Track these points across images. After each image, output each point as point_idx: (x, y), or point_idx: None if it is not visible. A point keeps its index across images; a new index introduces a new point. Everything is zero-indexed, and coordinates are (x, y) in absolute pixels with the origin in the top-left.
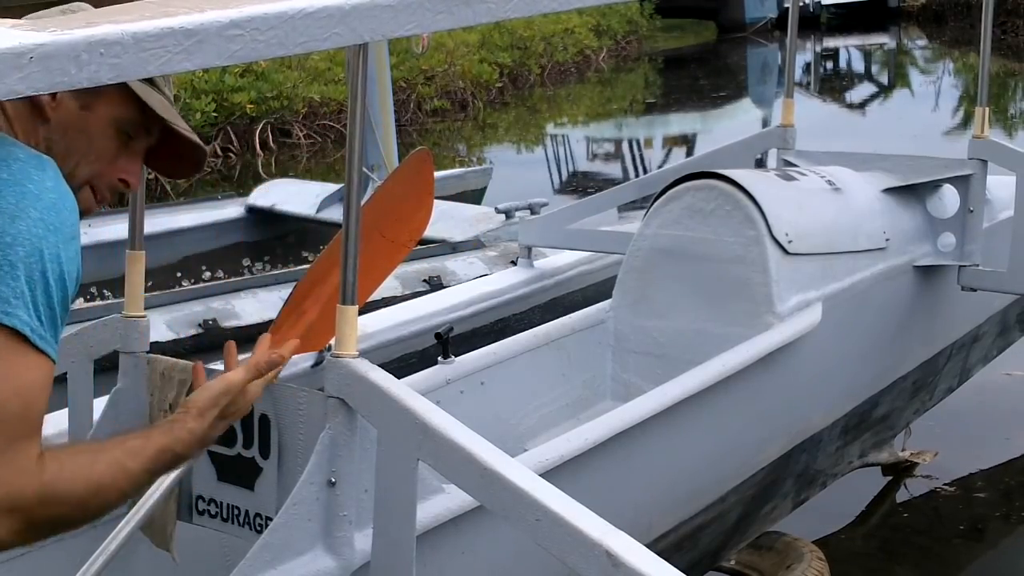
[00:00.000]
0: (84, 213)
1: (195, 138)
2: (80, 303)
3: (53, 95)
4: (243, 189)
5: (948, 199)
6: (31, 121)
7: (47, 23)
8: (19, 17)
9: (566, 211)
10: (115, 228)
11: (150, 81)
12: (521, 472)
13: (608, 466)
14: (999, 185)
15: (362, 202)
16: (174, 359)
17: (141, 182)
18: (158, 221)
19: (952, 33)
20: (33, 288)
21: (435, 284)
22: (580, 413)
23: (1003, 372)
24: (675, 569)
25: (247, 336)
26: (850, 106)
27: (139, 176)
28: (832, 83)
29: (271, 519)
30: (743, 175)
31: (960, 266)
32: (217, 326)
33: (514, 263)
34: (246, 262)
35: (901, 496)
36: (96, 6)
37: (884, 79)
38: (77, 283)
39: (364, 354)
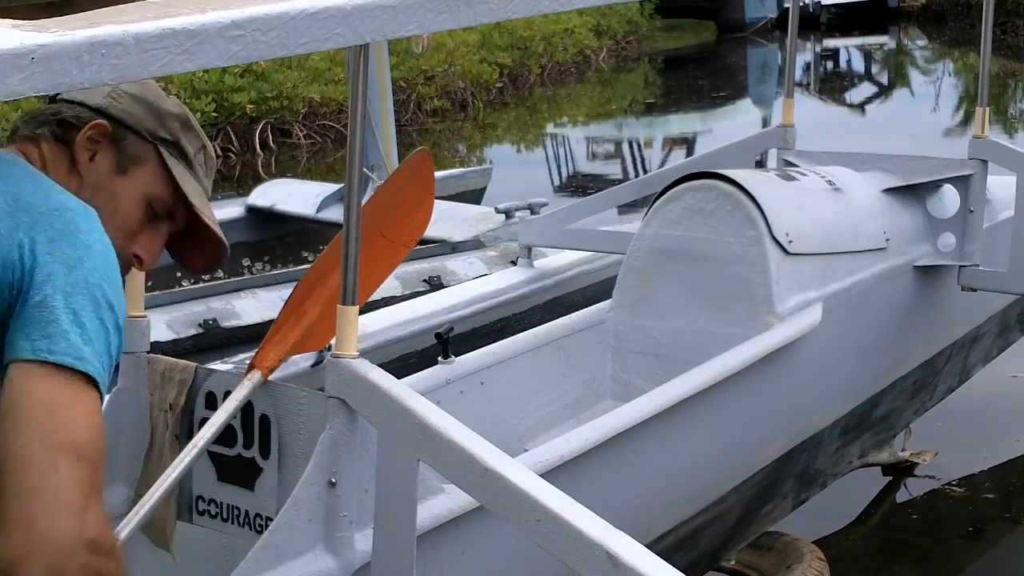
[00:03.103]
0: None
1: (220, 233)
2: None
3: (92, 155)
4: (243, 189)
5: (948, 199)
6: (65, 173)
7: (48, 24)
8: (20, 17)
9: (566, 211)
10: None
11: (189, 163)
12: (521, 472)
13: (608, 466)
14: (999, 185)
15: (362, 202)
16: (174, 359)
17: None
18: None
19: (952, 33)
20: (97, 334)
21: (435, 284)
22: (580, 413)
23: (1008, 374)
24: (675, 569)
25: (247, 336)
26: (850, 106)
27: (156, 257)
28: (832, 83)
29: (271, 519)
30: (743, 175)
31: (960, 266)
32: (217, 326)
33: (514, 263)
34: (246, 262)
35: (901, 496)
36: (97, 7)
37: (884, 79)
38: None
39: (364, 354)
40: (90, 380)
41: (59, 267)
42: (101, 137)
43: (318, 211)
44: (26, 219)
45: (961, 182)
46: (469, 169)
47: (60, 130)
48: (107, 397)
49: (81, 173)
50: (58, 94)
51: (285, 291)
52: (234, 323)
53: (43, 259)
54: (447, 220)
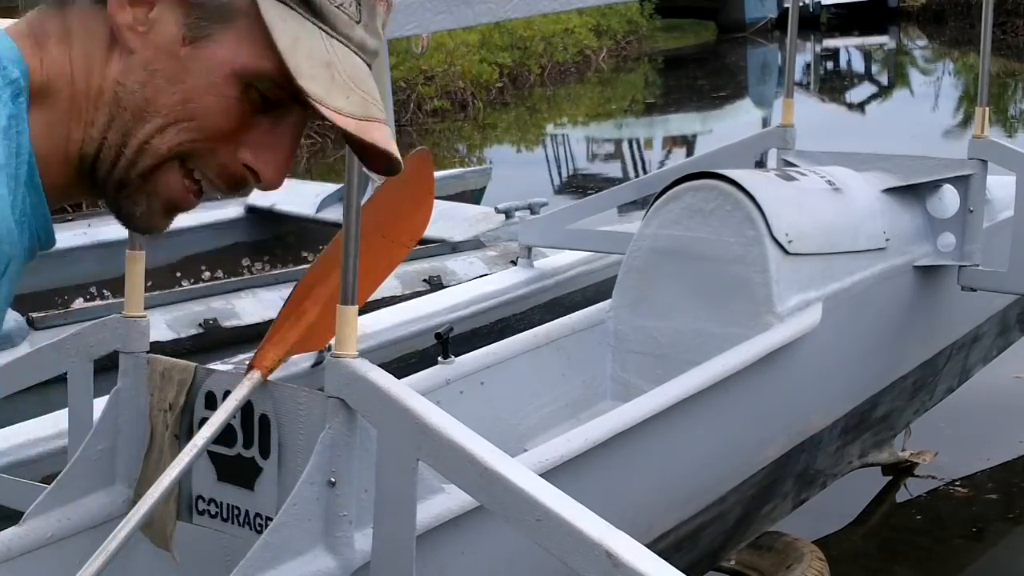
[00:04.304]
0: (173, 208)
1: (358, 134)
2: (80, 303)
3: (145, 15)
4: None
5: (948, 199)
6: (103, 52)
7: None
8: (20, 17)
9: (566, 211)
10: (115, 228)
11: (314, 8)
12: (521, 472)
13: (608, 466)
14: (999, 185)
15: (362, 202)
16: (174, 359)
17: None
18: None
19: (952, 33)
20: None
21: (435, 284)
22: (580, 413)
23: (1012, 375)
24: (675, 569)
25: (247, 336)
26: (850, 106)
27: (285, 166)
28: (832, 83)
29: (271, 519)
30: (743, 175)
31: (960, 266)
32: (217, 326)
33: (514, 263)
34: (246, 262)
35: (901, 496)
36: None
37: (884, 79)
38: None
39: (364, 354)
40: None
41: None
42: None
43: (318, 211)
44: None
45: (961, 182)
46: (469, 169)
47: None
48: (107, 397)
49: (130, 46)
50: None
51: (285, 291)
52: (234, 323)
53: None
54: (447, 220)
